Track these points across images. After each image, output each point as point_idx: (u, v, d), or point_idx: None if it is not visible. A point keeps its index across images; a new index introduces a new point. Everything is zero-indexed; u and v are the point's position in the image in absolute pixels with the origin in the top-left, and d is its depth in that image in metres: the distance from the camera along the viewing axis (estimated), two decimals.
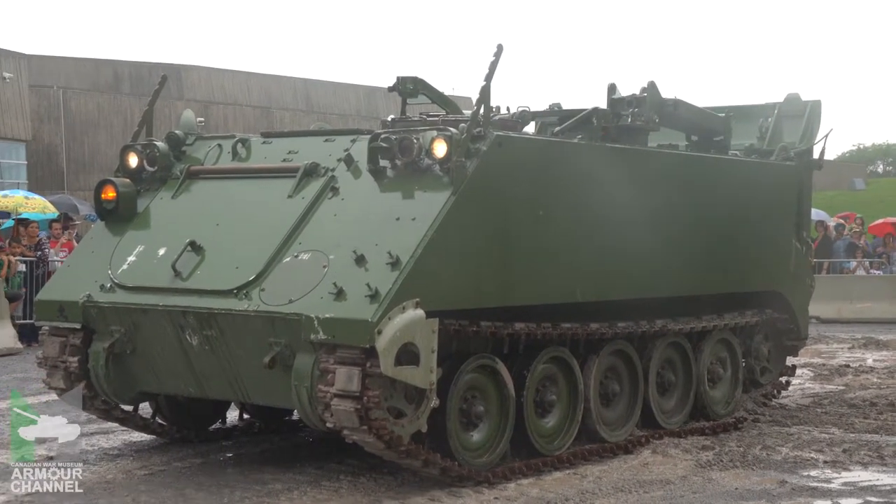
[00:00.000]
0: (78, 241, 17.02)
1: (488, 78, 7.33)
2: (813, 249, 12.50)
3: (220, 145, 8.44)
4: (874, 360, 14.72)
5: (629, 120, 8.75)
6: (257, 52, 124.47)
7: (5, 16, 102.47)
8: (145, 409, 8.77)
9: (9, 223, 20.08)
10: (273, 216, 7.55)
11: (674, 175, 9.08)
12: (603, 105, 8.76)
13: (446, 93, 9.73)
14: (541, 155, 7.82)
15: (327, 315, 6.71)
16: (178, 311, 7.41)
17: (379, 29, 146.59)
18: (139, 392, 8.13)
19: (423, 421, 6.96)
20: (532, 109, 9.37)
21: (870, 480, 7.78)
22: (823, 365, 14.05)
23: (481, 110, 7.33)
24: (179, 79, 45.77)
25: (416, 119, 8.73)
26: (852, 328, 19.35)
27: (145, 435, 8.91)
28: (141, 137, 8.73)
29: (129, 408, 8.46)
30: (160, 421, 8.76)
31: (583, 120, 8.59)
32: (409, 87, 9.30)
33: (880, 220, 27.23)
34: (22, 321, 16.64)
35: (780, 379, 10.88)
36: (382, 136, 7.38)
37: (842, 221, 26.65)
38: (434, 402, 6.94)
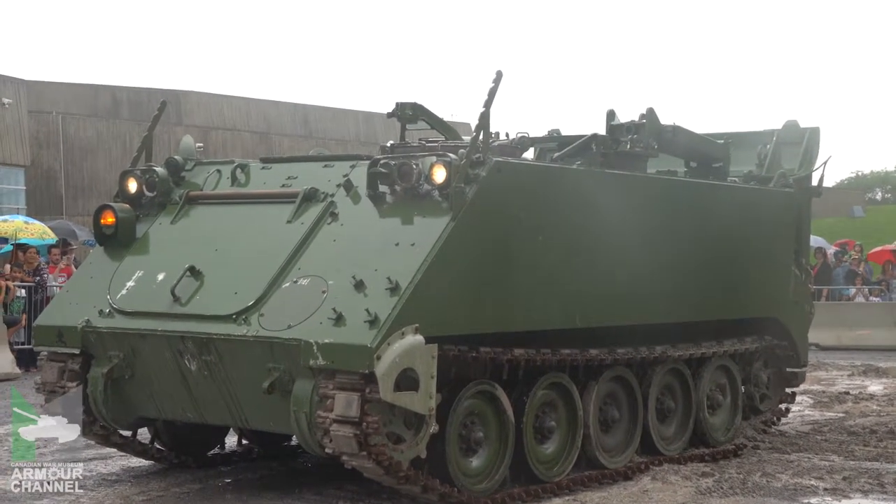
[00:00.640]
0: (76, 267, 17.03)
1: (488, 104, 7.34)
2: (812, 276, 12.48)
3: (219, 171, 8.45)
4: (874, 388, 14.68)
5: (628, 146, 8.77)
6: (256, 77, 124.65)
7: (5, 42, 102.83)
8: (144, 434, 8.73)
9: (7, 248, 20.05)
10: (272, 241, 7.54)
11: (673, 201, 9.08)
12: (602, 131, 8.78)
13: (445, 118, 9.76)
14: (540, 181, 7.82)
15: (326, 340, 6.70)
16: (177, 337, 7.40)
17: (378, 55, 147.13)
18: (138, 417, 8.11)
19: (422, 447, 6.94)
20: (531, 135, 9.34)
21: None
22: (823, 392, 14.02)
23: (481, 136, 7.34)
24: (178, 104, 45.75)
25: (415, 145, 8.75)
26: (852, 355, 19.32)
27: (144, 460, 8.87)
28: (140, 163, 8.74)
29: (127, 433, 8.43)
30: (159, 446, 8.73)
31: (582, 146, 8.61)
32: (409, 113, 9.33)
33: (879, 248, 27.27)
34: (20, 346, 16.61)
35: (780, 406, 10.86)
36: (382, 161, 7.39)
37: (840, 249, 26.68)
38: (433, 427, 6.92)
